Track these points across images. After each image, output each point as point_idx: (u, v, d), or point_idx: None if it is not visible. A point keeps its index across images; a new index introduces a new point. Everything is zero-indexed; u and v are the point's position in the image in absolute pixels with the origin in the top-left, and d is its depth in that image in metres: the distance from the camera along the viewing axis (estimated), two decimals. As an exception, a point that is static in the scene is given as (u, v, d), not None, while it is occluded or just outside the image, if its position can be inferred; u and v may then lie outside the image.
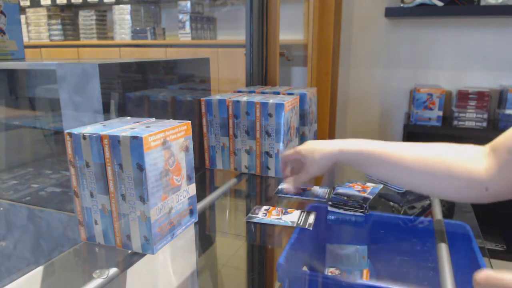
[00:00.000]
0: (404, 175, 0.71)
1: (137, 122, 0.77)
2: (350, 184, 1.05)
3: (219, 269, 0.89)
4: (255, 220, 0.89)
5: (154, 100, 1.03)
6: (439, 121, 2.23)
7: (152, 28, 3.10)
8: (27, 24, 3.53)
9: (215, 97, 1.19)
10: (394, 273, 0.91)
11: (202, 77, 1.28)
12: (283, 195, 1.04)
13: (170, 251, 0.77)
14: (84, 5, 3.41)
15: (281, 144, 1.12)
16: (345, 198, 0.96)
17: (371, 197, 0.97)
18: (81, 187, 0.73)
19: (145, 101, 0.99)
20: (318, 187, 1.09)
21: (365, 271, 0.89)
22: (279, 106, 1.09)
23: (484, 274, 0.39)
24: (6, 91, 1.33)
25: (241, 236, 0.95)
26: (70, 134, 0.70)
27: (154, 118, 0.81)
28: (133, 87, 0.95)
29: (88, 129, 0.71)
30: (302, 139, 1.37)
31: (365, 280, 0.86)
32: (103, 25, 3.41)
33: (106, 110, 0.85)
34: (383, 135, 2.61)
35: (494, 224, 2.34)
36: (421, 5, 2.19)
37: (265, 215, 0.91)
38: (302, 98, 1.32)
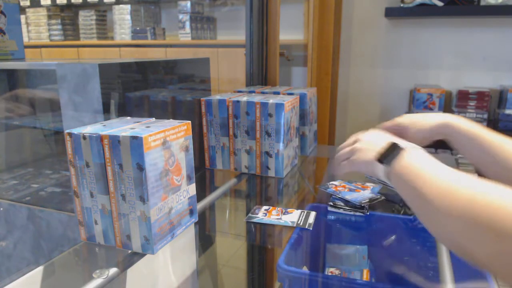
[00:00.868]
0: (500, 167, 0.69)
1: (137, 122, 0.77)
2: (340, 185, 1.06)
3: (219, 269, 0.89)
4: (255, 220, 0.89)
5: (154, 100, 1.03)
6: (439, 121, 2.23)
7: (152, 28, 3.10)
8: (27, 24, 3.53)
9: (215, 97, 1.19)
10: (394, 273, 0.91)
11: (202, 77, 1.28)
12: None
13: (170, 251, 0.77)
14: (84, 5, 3.40)
15: (281, 144, 1.12)
16: (345, 198, 0.96)
17: (372, 196, 0.97)
18: (81, 187, 0.73)
19: (145, 101, 0.99)
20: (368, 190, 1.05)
21: (365, 271, 0.89)
22: (279, 106, 1.09)
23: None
24: (6, 91, 1.33)
25: (241, 236, 0.95)
26: (70, 134, 0.70)
27: (154, 118, 0.81)
28: (133, 87, 0.95)
29: (88, 129, 0.71)
30: (302, 139, 1.37)
31: (365, 280, 0.86)
32: (103, 25, 3.41)
33: (106, 110, 0.85)
34: (383, 135, 2.60)
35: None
36: (421, 5, 2.19)
37: (265, 215, 0.91)
38: (302, 98, 1.32)
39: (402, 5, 2.24)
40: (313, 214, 0.90)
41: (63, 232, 1.02)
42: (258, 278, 0.82)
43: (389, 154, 0.61)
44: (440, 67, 2.40)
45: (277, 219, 0.89)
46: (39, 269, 0.69)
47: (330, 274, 0.90)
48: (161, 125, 0.73)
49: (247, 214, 0.92)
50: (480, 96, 2.17)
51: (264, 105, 1.11)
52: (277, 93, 1.34)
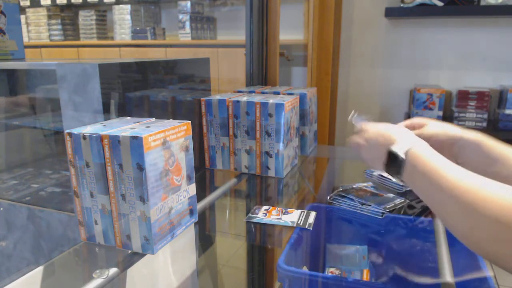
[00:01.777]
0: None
1: (137, 122, 0.77)
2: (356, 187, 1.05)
3: (219, 269, 0.89)
4: (255, 220, 0.89)
5: (154, 100, 1.03)
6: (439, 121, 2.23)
7: (152, 28, 3.10)
8: (27, 24, 3.53)
9: (215, 97, 1.19)
10: (394, 273, 0.91)
11: (202, 77, 1.28)
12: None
13: (170, 251, 0.77)
14: (84, 5, 3.40)
15: (281, 144, 1.12)
16: (364, 200, 0.94)
17: (390, 204, 0.95)
18: (81, 187, 0.73)
19: (145, 101, 0.99)
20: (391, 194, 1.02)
21: (365, 271, 0.89)
22: (279, 106, 1.09)
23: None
24: (6, 91, 1.33)
25: (241, 236, 0.95)
26: (70, 134, 0.70)
27: (154, 118, 0.81)
28: (133, 87, 0.95)
29: (88, 129, 0.71)
30: (302, 139, 1.37)
31: (365, 280, 0.86)
32: (103, 25, 3.41)
33: (106, 110, 0.85)
34: (383, 135, 2.60)
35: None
36: (421, 5, 2.19)
37: (265, 215, 0.91)
38: (302, 98, 1.32)
39: (402, 5, 2.24)
40: (313, 214, 0.90)
41: (63, 232, 1.02)
42: (258, 278, 0.82)
43: (393, 167, 0.60)
44: (440, 67, 2.40)
45: (277, 219, 0.89)
46: (39, 269, 0.69)
47: (330, 274, 0.90)
48: (161, 125, 0.73)
49: (247, 214, 0.92)
50: (480, 96, 2.17)
51: (264, 105, 1.11)
52: (277, 93, 1.34)
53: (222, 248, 0.95)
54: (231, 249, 0.93)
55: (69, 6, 3.47)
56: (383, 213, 0.89)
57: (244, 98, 1.15)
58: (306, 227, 0.85)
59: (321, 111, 2.35)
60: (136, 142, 0.65)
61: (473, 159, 0.70)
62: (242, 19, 1.91)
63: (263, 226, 0.89)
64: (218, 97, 1.19)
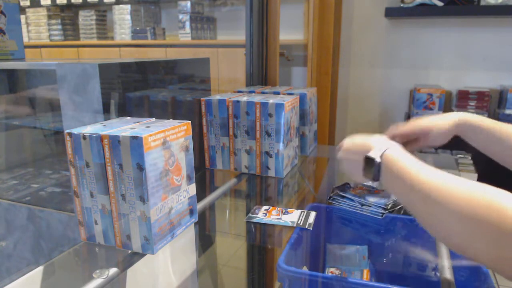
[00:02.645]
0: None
1: (137, 122, 0.77)
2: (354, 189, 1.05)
3: (219, 269, 0.89)
4: (255, 220, 0.89)
5: (154, 100, 1.03)
6: (439, 121, 2.23)
7: (152, 28, 3.10)
8: (27, 24, 3.53)
9: (215, 97, 1.19)
10: (394, 273, 0.91)
11: (202, 77, 1.28)
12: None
13: (170, 251, 0.77)
14: (84, 5, 3.40)
15: (281, 144, 1.12)
16: (366, 200, 0.93)
17: (389, 200, 0.95)
18: (81, 187, 0.73)
19: (145, 101, 0.99)
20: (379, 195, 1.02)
21: (365, 271, 0.89)
22: (279, 106, 1.09)
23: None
24: (6, 91, 1.33)
25: (241, 236, 0.95)
26: (70, 134, 0.70)
27: (154, 118, 0.81)
28: (133, 87, 0.95)
29: (88, 129, 0.71)
30: (302, 139, 1.37)
31: (365, 280, 0.86)
32: (103, 25, 3.41)
33: (106, 110, 0.85)
34: (383, 135, 2.60)
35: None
36: (421, 5, 2.19)
37: (265, 215, 0.91)
38: (302, 98, 1.32)
39: (402, 5, 2.24)
40: (313, 214, 0.90)
41: (63, 232, 1.02)
42: (258, 278, 0.82)
43: (370, 173, 0.62)
44: (440, 67, 2.40)
45: (277, 219, 0.89)
46: (39, 269, 0.69)
47: (330, 274, 0.90)
48: (161, 125, 0.73)
49: (247, 214, 0.92)
50: (480, 96, 2.17)
51: (264, 105, 1.11)
52: (277, 93, 1.34)
53: (222, 248, 0.95)
54: (231, 249, 0.93)
55: (69, 6, 3.47)
56: (383, 213, 0.89)
57: (244, 98, 1.15)
58: (306, 227, 0.85)
59: (321, 111, 2.35)
60: (136, 142, 0.65)
61: (481, 141, 0.75)
62: (242, 19, 1.91)
63: (263, 226, 0.89)
64: (218, 97, 1.19)
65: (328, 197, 0.98)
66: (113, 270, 0.67)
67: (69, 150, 0.71)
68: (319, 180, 1.31)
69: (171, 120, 0.78)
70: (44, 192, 1.19)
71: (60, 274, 0.73)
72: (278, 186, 1.14)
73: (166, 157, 0.71)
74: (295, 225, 0.85)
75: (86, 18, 3.36)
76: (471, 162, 2.07)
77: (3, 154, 1.38)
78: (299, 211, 0.92)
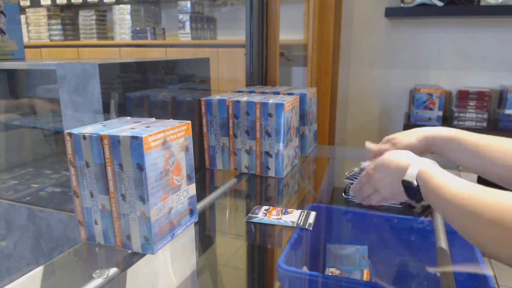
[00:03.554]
0: (488, 165, 0.73)
1: (137, 122, 0.77)
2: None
3: (219, 269, 0.89)
4: (255, 220, 0.89)
5: (154, 100, 1.03)
6: (439, 121, 2.23)
7: (152, 28, 3.10)
8: (27, 24, 3.53)
9: (215, 97, 1.19)
10: (394, 273, 0.91)
11: (202, 77, 1.28)
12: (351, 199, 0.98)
13: (170, 251, 0.77)
14: (84, 5, 3.40)
15: (281, 144, 1.12)
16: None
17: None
18: (81, 187, 0.73)
19: (145, 101, 0.99)
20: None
21: (365, 271, 0.89)
22: (279, 106, 1.09)
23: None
24: (6, 91, 1.33)
25: (241, 236, 0.95)
26: (70, 134, 0.70)
27: (154, 118, 0.81)
28: (133, 87, 0.95)
29: (88, 129, 0.71)
30: (302, 139, 1.37)
31: (365, 280, 0.86)
32: (103, 25, 3.41)
33: (106, 110, 0.85)
34: (383, 135, 2.60)
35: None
36: (421, 5, 2.19)
37: (265, 215, 0.91)
38: (302, 98, 1.32)
39: (402, 5, 2.24)
40: (313, 214, 0.90)
41: (63, 232, 1.02)
42: (258, 278, 0.82)
43: (413, 194, 0.66)
44: (440, 67, 2.40)
45: (277, 219, 0.89)
46: (39, 269, 0.69)
47: (330, 274, 0.90)
48: (161, 125, 0.73)
49: (247, 214, 0.92)
50: (480, 96, 2.17)
51: (264, 105, 1.11)
52: (277, 93, 1.34)
53: (222, 248, 0.95)
54: (231, 249, 0.93)
55: (69, 6, 3.47)
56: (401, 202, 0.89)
57: (244, 98, 1.15)
58: (306, 227, 0.85)
59: (321, 111, 2.35)
60: (136, 142, 0.65)
61: (457, 154, 0.76)
62: (242, 19, 1.91)
63: (263, 226, 0.89)
64: (218, 97, 1.19)
65: (344, 191, 0.98)
66: (113, 270, 0.67)
67: (69, 150, 0.71)
68: (319, 180, 1.31)
69: (171, 120, 0.78)
70: (44, 192, 1.19)
71: (60, 274, 0.73)
72: (278, 186, 1.14)
73: (166, 157, 0.71)
74: (295, 225, 0.85)
75: (86, 18, 3.36)
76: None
77: (3, 154, 1.38)
78: (299, 211, 0.92)
